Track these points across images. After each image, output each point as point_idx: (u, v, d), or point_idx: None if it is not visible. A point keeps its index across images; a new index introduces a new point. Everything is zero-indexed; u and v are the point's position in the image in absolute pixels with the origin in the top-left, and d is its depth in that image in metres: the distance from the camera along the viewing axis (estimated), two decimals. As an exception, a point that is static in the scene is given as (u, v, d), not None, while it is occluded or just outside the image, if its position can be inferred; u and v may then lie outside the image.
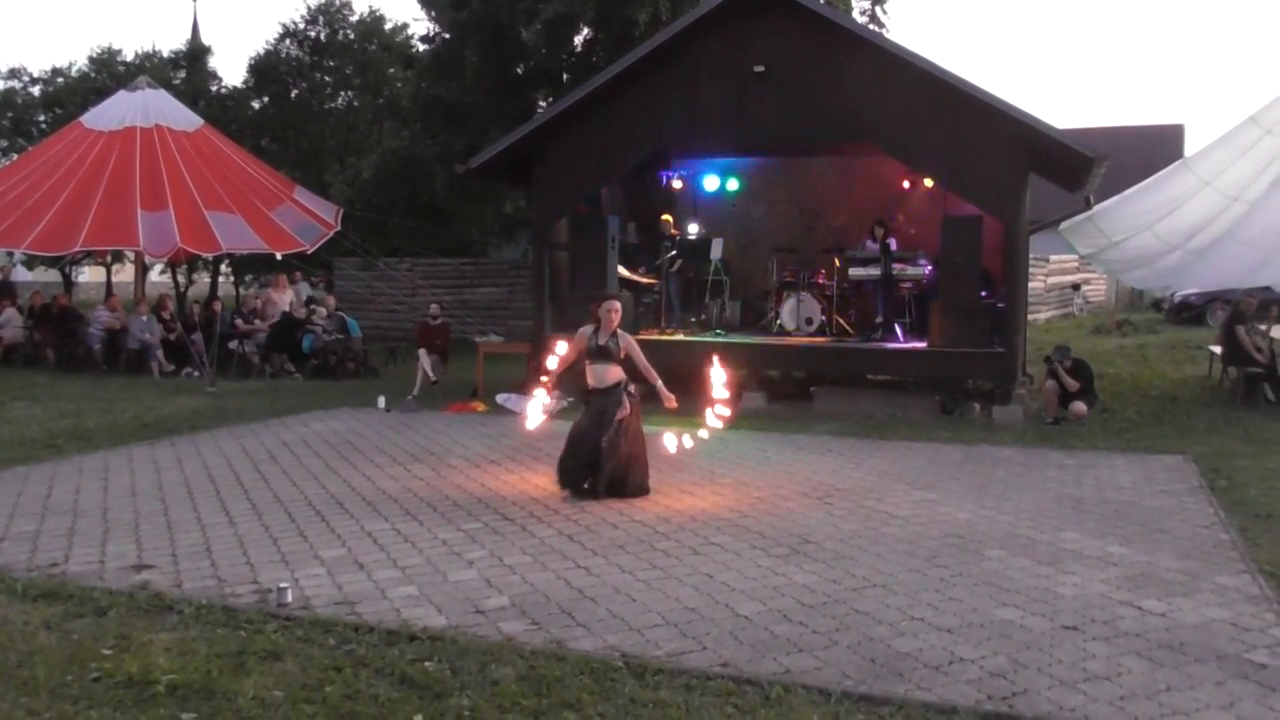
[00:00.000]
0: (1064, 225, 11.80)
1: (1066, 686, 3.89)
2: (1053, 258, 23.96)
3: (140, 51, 29.05)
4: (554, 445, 9.02)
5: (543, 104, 18.90)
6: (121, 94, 17.54)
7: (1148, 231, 11.37)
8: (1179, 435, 9.62)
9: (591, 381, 7.02)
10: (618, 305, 7.09)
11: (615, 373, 7.01)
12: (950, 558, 5.59)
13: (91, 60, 28.41)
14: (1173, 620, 4.62)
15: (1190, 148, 22.48)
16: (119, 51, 28.70)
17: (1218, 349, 13.02)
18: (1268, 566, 5.39)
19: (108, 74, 26.91)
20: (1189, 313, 21.41)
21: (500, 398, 11.61)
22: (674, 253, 13.31)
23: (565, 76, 18.97)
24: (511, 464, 8.22)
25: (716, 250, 13.26)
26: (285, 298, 16.33)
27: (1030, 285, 17.99)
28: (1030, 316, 17.97)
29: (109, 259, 25.05)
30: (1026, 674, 4.01)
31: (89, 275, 32.28)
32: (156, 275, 27.21)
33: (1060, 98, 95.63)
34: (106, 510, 6.62)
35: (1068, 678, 3.97)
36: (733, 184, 14.45)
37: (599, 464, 6.86)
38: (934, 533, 6.12)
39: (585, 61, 18.50)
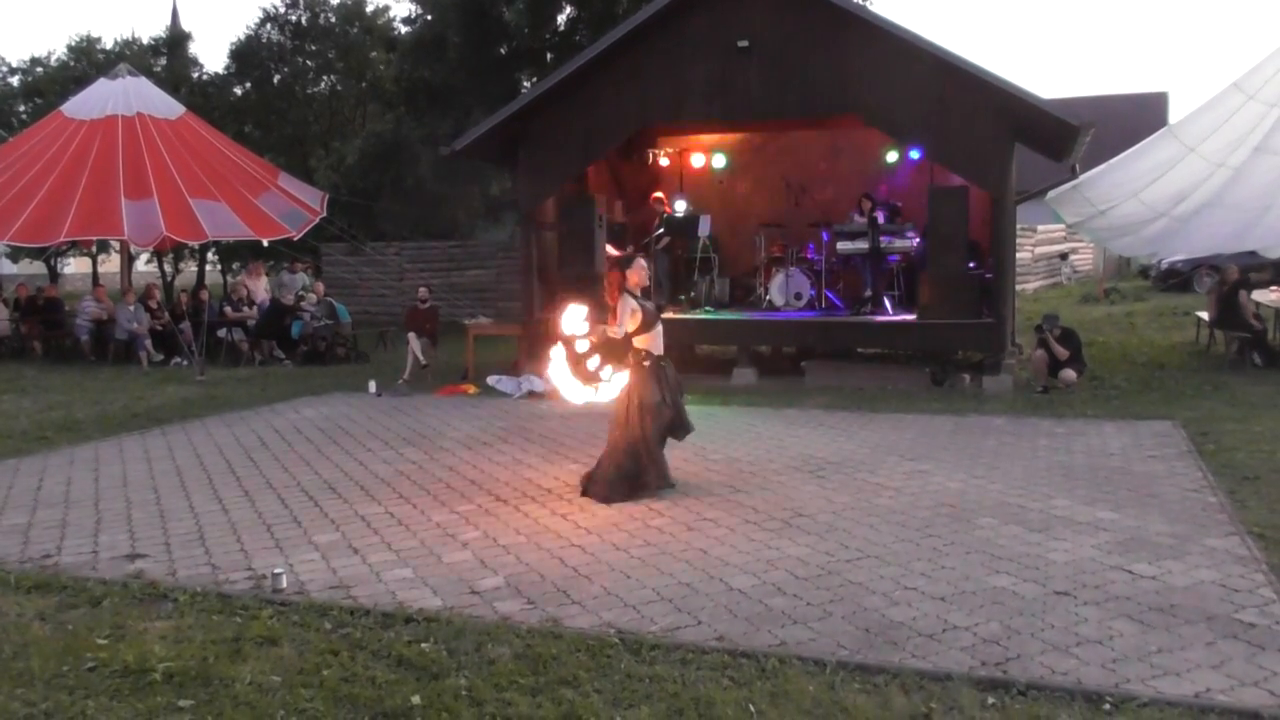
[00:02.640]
0: (1050, 195, 11.81)
1: (1059, 651, 3.93)
2: (1040, 227, 23.99)
3: (120, 39, 28.91)
4: (545, 426, 9.06)
5: (527, 84, 18.78)
6: (102, 82, 17.36)
7: (1134, 199, 11.39)
8: (1167, 401, 9.67)
9: (656, 349, 6.48)
10: (641, 262, 6.53)
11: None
12: (942, 527, 5.63)
13: (70, 49, 28.15)
14: (1163, 583, 4.66)
15: (1175, 115, 22.48)
16: (98, 39, 28.48)
17: (1204, 315, 13.08)
18: (1256, 528, 5.44)
19: (87, 62, 26.66)
20: (1176, 279, 21.48)
21: (491, 379, 11.61)
22: (661, 230, 13.28)
23: (549, 56, 18.86)
24: (504, 445, 8.22)
25: (704, 227, 13.23)
26: (260, 284, 16.23)
27: (1018, 255, 18.03)
28: (1018, 286, 18.01)
29: (94, 249, 24.90)
30: (1019, 640, 4.04)
31: (74, 266, 32.08)
32: (143, 265, 27.05)
33: (1044, 67, 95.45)
34: (98, 501, 6.60)
35: (1060, 642, 4.01)
36: (719, 160, 14.40)
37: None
38: (926, 503, 6.15)
39: (568, 40, 18.40)
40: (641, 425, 6.31)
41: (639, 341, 6.41)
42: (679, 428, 6.56)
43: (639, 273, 6.41)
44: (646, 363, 6.38)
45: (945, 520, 5.77)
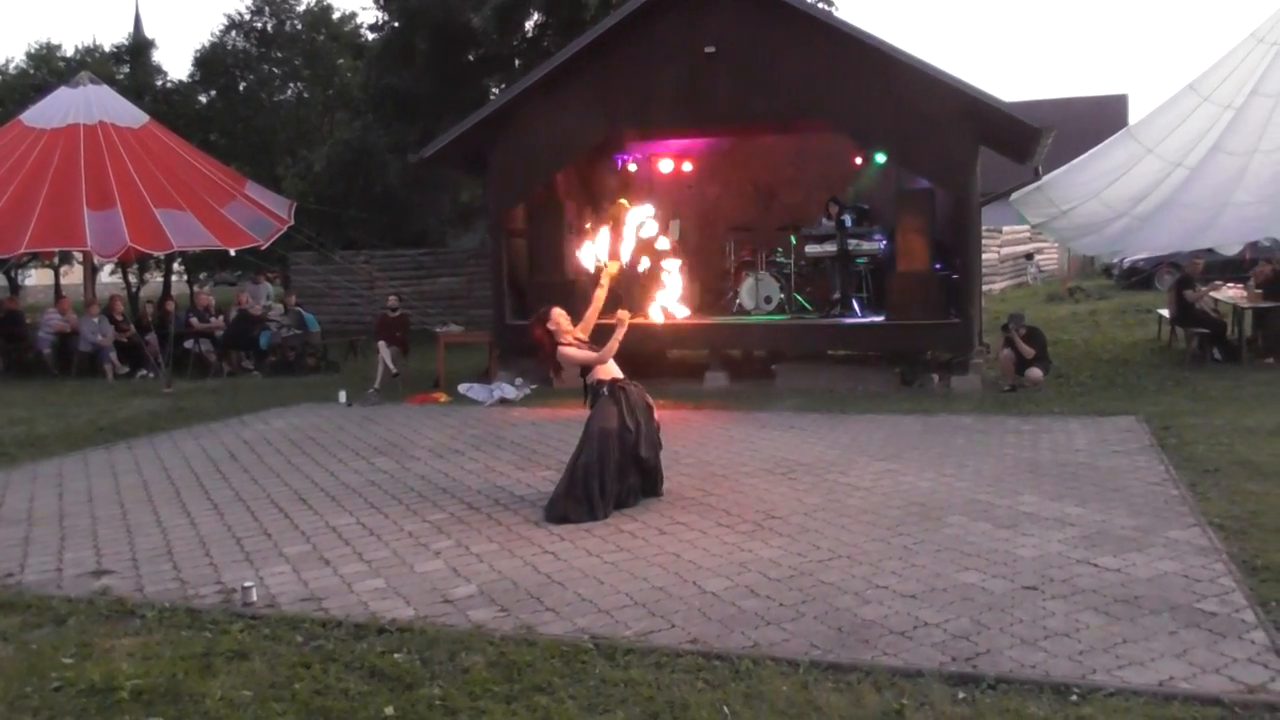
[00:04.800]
0: (1014, 196, 11.96)
1: (1027, 645, 3.99)
2: (1005, 228, 24.27)
3: (81, 46, 28.52)
4: (517, 434, 9.05)
5: (495, 90, 18.76)
6: (63, 90, 17.12)
7: (1095, 199, 11.57)
8: (1130, 397, 9.83)
9: (608, 375, 6.45)
10: (555, 312, 6.52)
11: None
12: (912, 526, 5.68)
13: (30, 56, 27.69)
14: (1127, 575, 4.74)
15: (1134, 116, 22.82)
16: (59, 47, 28.02)
17: (1165, 312, 13.30)
18: (1216, 519, 5.54)
19: (48, 70, 26.22)
20: (1138, 277, 21.82)
21: (462, 387, 11.57)
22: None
23: (517, 62, 18.86)
24: (475, 453, 8.20)
25: (673, 232, 13.25)
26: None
27: (984, 256, 18.25)
28: (985, 286, 18.22)
29: (56, 260, 24.47)
30: (989, 635, 4.09)
31: (36, 278, 31.51)
32: (107, 276, 26.65)
33: (1007, 70, 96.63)
34: (63, 517, 6.50)
35: (1028, 636, 4.07)
36: (687, 165, 14.44)
37: (657, 463, 6.52)
38: (896, 502, 6.21)
39: (537, 46, 18.42)
40: (597, 448, 6.15)
41: (589, 376, 6.43)
42: (639, 459, 6.32)
43: (559, 319, 6.44)
44: (604, 391, 6.38)
45: (915, 519, 5.82)
